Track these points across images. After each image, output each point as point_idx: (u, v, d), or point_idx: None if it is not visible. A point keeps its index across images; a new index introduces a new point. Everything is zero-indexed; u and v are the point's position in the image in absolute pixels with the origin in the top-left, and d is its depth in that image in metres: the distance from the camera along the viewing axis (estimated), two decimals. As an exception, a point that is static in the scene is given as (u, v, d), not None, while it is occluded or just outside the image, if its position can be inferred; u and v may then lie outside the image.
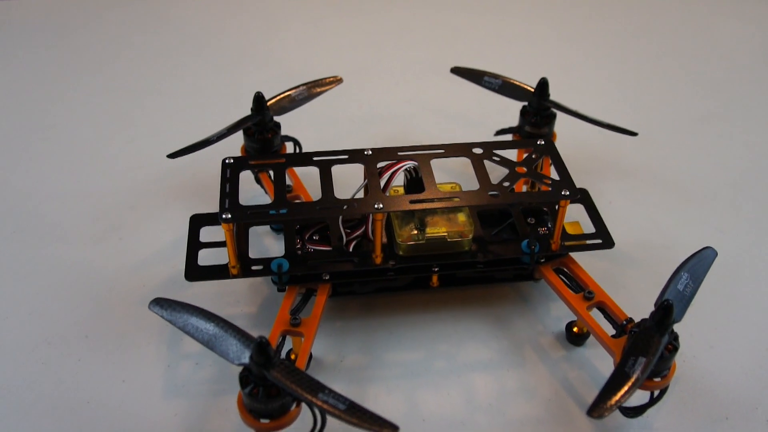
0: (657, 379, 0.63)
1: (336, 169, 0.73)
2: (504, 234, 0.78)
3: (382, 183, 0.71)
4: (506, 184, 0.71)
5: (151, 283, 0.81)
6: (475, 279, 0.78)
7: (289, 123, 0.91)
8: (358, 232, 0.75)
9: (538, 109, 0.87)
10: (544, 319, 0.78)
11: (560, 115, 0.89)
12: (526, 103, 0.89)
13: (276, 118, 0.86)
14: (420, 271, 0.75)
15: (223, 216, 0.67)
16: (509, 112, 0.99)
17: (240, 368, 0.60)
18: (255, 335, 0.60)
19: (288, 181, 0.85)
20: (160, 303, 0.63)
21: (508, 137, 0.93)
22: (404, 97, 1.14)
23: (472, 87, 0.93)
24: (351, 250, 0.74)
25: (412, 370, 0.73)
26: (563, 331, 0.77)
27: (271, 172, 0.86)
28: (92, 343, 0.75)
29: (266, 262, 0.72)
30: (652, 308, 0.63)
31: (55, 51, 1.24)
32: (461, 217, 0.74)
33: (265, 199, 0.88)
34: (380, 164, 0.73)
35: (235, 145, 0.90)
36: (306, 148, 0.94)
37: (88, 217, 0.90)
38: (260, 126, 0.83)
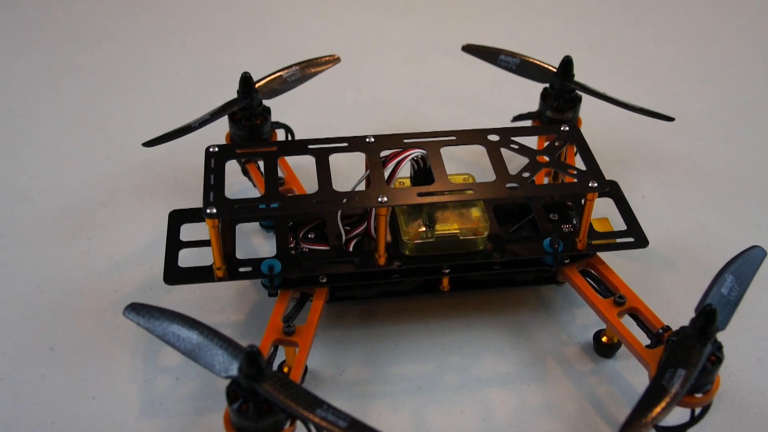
0: (698, 395, 0.64)
1: (334, 159, 0.74)
2: (523, 231, 0.78)
3: (387, 174, 0.72)
4: (526, 174, 0.72)
5: (125, 288, 0.82)
6: (490, 282, 0.78)
7: (279, 108, 0.91)
8: (358, 230, 0.75)
9: (561, 91, 0.88)
10: (569, 327, 0.79)
11: (586, 99, 0.90)
12: (547, 85, 0.90)
13: (265, 102, 0.86)
14: (429, 272, 0.75)
15: (208, 211, 0.67)
16: (528, 95, 1.00)
17: (227, 382, 0.60)
18: (244, 345, 0.60)
19: (279, 173, 0.85)
20: (136, 309, 0.64)
21: (527, 123, 0.94)
22: (410, 79, 1.15)
23: (487, 67, 0.94)
24: (351, 249, 0.75)
25: (420, 384, 0.73)
26: (590, 341, 0.77)
27: (261, 162, 0.87)
28: (57, 356, 0.75)
29: (256, 263, 0.72)
30: (691, 315, 0.63)
31: (12, 26, 1.24)
32: (475, 212, 0.75)
33: (254, 192, 0.89)
34: (384, 153, 0.74)
35: (219, 132, 0.90)
36: (299, 136, 0.95)
37: (51, 215, 0.90)
38: (248, 111, 0.84)
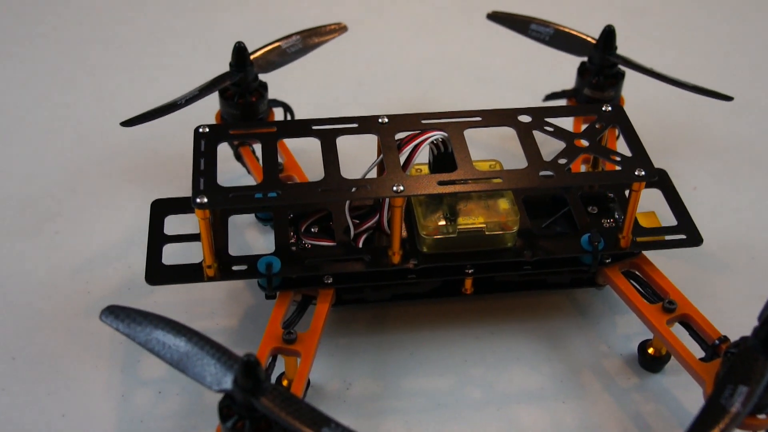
0: (762, 416, 0.64)
1: (342, 142, 0.73)
2: (557, 226, 0.78)
3: (402, 159, 0.72)
4: (562, 161, 0.72)
5: (99, 288, 0.82)
6: (520, 284, 0.78)
7: (274, 84, 0.91)
8: (369, 223, 0.75)
9: (602, 66, 0.88)
10: (609, 336, 0.78)
11: (629, 75, 0.89)
12: (585, 59, 0.90)
13: (261, 77, 0.86)
14: (449, 273, 0.75)
15: (198, 200, 0.67)
16: (563, 70, 0.99)
17: (219, 396, 0.60)
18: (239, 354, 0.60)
19: (278, 158, 0.85)
20: (115, 312, 0.64)
21: (562, 103, 0.94)
22: (426, 51, 1.14)
23: (515, 38, 0.93)
24: (360, 245, 0.75)
25: (438, 401, 0.73)
26: (634, 353, 0.77)
27: (256, 146, 0.87)
28: (21, 366, 0.75)
29: (251, 260, 0.72)
30: (751, 323, 0.63)
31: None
32: (503, 203, 0.75)
33: (248, 179, 0.89)
34: (399, 135, 0.73)
35: (208, 110, 0.90)
36: (299, 116, 0.95)
37: (13, 205, 0.90)
38: (241, 86, 0.84)
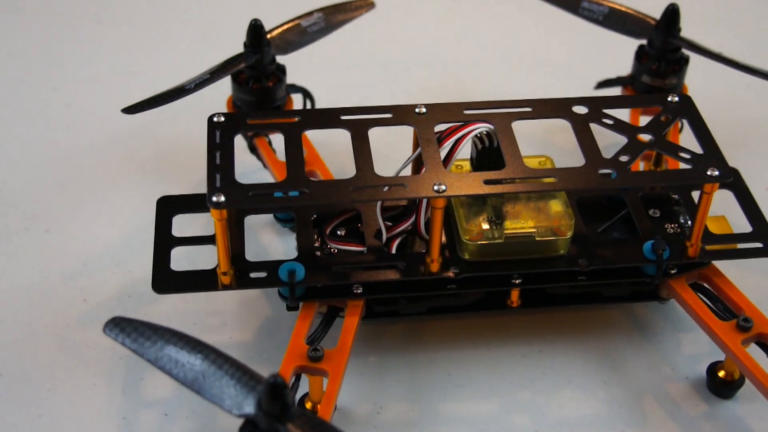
0: None
1: (373, 135, 0.73)
2: (614, 232, 0.78)
3: (443, 154, 0.71)
4: (624, 158, 0.71)
5: (96, 296, 0.82)
6: (573, 297, 0.78)
7: (290, 67, 0.91)
8: (404, 226, 0.75)
9: (664, 50, 0.87)
10: (674, 357, 0.78)
11: (693, 60, 0.89)
12: (644, 42, 0.89)
13: (279, 59, 0.86)
14: (494, 283, 0.75)
15: (214, 199, 0.67)
16: (617, 54, 0.99)
17: (237, 421, 0.60)
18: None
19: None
20: (121, 325, 0.63)
21: (617, 92, 0.93)
22: (461, 32, 1.14)
23: (563, 18, 0.93)
24: (394, 251, 0.74)
25: (480, 428, 0.73)
26: (703, 376, 0.76)
27: (271, 137, 0.87)
28: (7, 385, 0.75)
29: (272, 267, 0.72)
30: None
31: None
32: (555, 206, 0.74)
33: (265, 175, 0.88)
34: (439, 127, 0.73)
35: (218, 97, 0.90)
36: (319, 105, 0.94)
37: (-4, 202, 0.90)
38: (257, 69, 0.84)
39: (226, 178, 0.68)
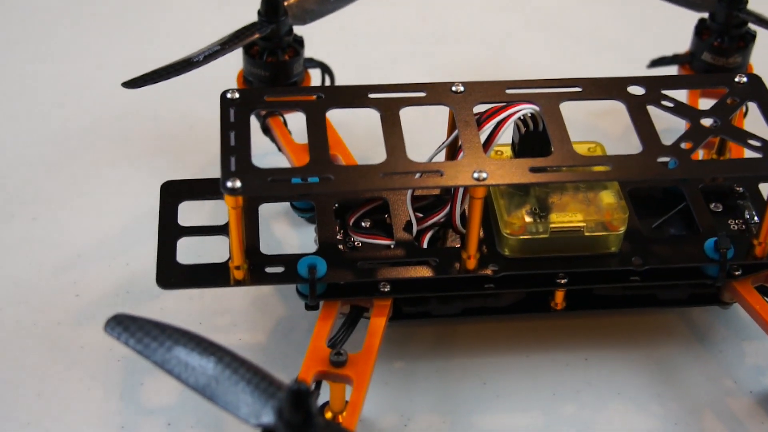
0: None
1: (403, 117, 0.73)
2: (671, 227, 0.78)
3: (483, 138, 0.71)
4: (685, 145, 0.71)
5: (90, 291, 0.82)
6: (624, 299, 0.78)
7: (308, 39, 0.91)
8: (436, 217, 0.75)
9: (727, 24, 0.87)
10: (737, 368, 0.78)
11: (761, 36, 0.89)
12: (705, 16, 0.89)
13: (297, 30, 0.86)
14: (537, 283, 0.75)
15: (229, 184, 0.67)
16: (674, 29, 0.99)
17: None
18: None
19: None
20: (124, 323, 0.63)
21: (673, 71, 0.93)
22: (499, 3, 1.14)
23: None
24: (425, 245, 0.75)
25: (519, 444, 0.74)
26: (769, 391, 0.77)
27: (288, 117, 0.87)
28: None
29: (290, 261, 0.72)
30: None
31: None
32: (607, 197, 0.74)
33: (279, 160, 0.88)
34: (478, 108, 0.73)
35: (227, 70, 0.90)
36: (340, 82, 0.94)
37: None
38: (272, 41, 0.84)
39: (241, 161, 0.69)
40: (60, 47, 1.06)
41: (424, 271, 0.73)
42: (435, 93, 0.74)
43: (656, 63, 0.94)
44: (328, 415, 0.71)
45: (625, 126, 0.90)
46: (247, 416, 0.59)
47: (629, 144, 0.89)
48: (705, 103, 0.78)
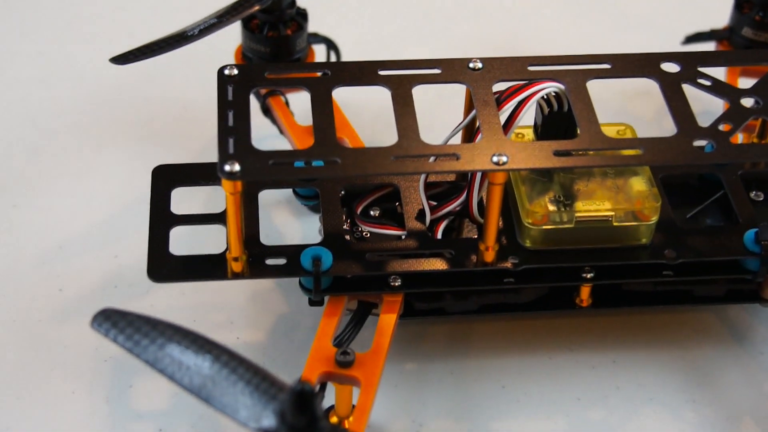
0: None
1: (417, 95, 0.73)
2: (707, 218, 0.78)
3: (503, 119, 0.71)
4: (724, 127, 0.71)
5: (75, 285, 0.82)
6: (655, 296, 0.78)
7: (312, 12, 0.91)
8: (452, 206, 0.75)
9: (769, -3, 0.87)
10: (778, 372, 0.79)
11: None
12: (744, -13, 0.89)
13: (300, 2, 0.86)
14: (561, 277, 0.75)
15: (227, 168, 0.66)
16: (710, 3, 0.99)
17: (253, 437, 0.60)
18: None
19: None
20: (113, 318, 0.63)
21: (711, 47, 0.93)
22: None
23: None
24: (439, 236, 0.75)
25: (541, 453, 0.74)
26: (813, 396, 0.77)
27: (290, 97, 0.87)
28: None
29: (292, 252, 0.72)
30: None
31: None
32: (638, 184, 0.74)
33: (281, 143, 0.89)
34: (498, 86, 0.73)
35: (224, 45, 0.90)
36: (346, 58, 0.94)
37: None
38: (274, 14, 0.84)
39: (241, 143, 0.68)
40: (42, 19, 1.06)
41: (438, 264, 0.73)
42: (451, 70, 0.74)
43: (692, 39, 0.93)
44: (334, 420, 0.71)
45: (658, 107, 0.91)
46: (247, 419, 0.59)
47: (662, 127, 0.89)
48: (745, 83, 0.78)
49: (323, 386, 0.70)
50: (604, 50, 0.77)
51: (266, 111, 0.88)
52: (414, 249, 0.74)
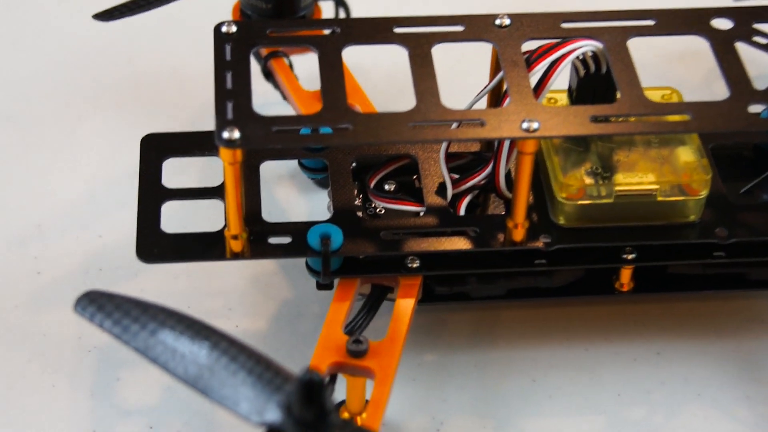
0: None
1: (438, 55, 0.73)
2: (763, 193, 0.78)
3: (533, 81, 0.71)
4: (784, 92, 0.71)
5: (54, 267, 0.83)
6: (704, 280, 0.78)
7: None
8: (476, 179, 0.75)
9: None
10: (842, 366, 0.79)
11: None
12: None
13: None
14: (598, 258, 0.75)
15: (225, 135, 0.66)
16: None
17: (260, 432, 0.60)
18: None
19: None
20: (98, 301, 0.63)
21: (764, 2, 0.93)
22: None
23: None
24: (462, 212, 0.75)
25: (576, 454, 0.74)
26: None
27: (294, 59, 0.87)
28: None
29: (298, 230, 0.72)
30: None
31: None
32: (685, 155, 0.74)
33: (285, 110, 0.88)
34: (527, 45, 0.73)
35: (220, 1, 0.90)
36: (357, 14, 0.94)
37: None
38: (275, -36, 0.84)
39: (241, 107, 0.68)
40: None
41: (460, 244, 0.73)
42: (475, 27, 0.74)
43: (747, -7, 0.93)
44: (345, 415, 0.71)
45: (708, 70, 0.90)
46: (248, 413, 0.59)
47: (712, 92, 0.89)
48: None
49: (333, 378, 0.70)
50: (647, 4, 0.77)
51: (268, 75, 0.88)
52: (434, 227, 0.73)
